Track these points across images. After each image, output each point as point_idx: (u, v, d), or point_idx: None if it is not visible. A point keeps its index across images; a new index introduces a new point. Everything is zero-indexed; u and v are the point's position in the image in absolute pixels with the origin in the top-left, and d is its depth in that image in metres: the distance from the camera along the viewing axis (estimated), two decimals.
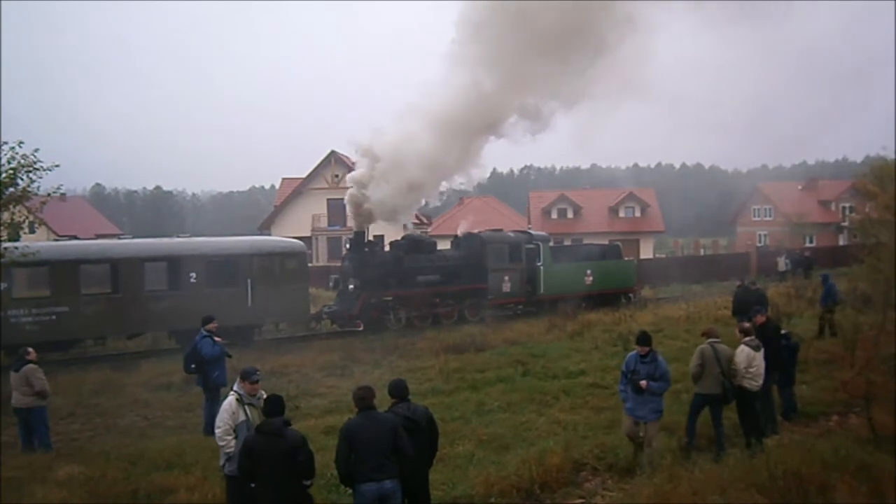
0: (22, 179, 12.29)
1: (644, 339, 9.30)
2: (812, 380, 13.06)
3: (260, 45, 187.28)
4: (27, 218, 13.90)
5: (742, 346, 9.86)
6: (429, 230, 50.33)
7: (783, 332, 11.39)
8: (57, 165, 12.70)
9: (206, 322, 12.01)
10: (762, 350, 9.89)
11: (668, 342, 17.66)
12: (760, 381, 9.81)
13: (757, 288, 18.38)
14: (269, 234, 45.21)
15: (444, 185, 27.68)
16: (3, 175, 12.11)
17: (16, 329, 17.45)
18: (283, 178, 58.82)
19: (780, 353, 10.73)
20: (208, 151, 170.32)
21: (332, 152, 50.96)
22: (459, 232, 26.77)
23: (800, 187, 67.21)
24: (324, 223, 50.94)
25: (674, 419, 10.61)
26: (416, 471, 6.61)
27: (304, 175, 53.29)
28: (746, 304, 16.54)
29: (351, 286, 22.61)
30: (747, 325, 10.30)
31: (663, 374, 9.06)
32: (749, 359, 9.72)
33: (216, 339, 11.82)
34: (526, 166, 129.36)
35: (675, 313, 22.35)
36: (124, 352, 20.13)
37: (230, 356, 12.07)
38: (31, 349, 11.02)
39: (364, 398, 6.47)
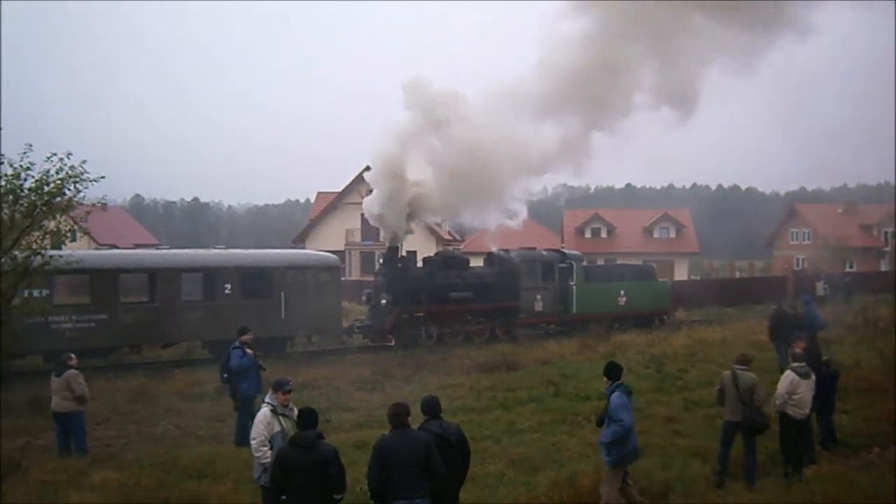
0: (69, 190, 12.66)
1: (606, 370, 8.34)
2: (852, 409, 12.72)
3: (296, 59, 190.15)
4: (72, 227, 14.26)
5: (788, 372, 9.68)
6: (461, 247, 50.37)
7: (824, 358, 11.15)
8: (102, 177, 13.08)
9: (241, 333, 12.14)
10: (812, 378, 9.65)
11: (701, 366, 17.40)
12: (806, 410, 9.56)
13: (795, 312, 17.96)
14: (304, 248, 45.64)
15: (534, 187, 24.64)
16: (52, 185, 12.48)
17: (56, 335, 17.80)
18: (319, 193, 59.31)
19: (823, 381, 10.48)
20: (245, 165, 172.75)
21: (368, 167, 51.32)
22: (493, 249, 26.74)
23: (840, 210, 65.92)
24: (358, 237, 51.26)
25: (706, 444, 10.46)
26: (448, 490, 6.58)
27: (339, 190, 53.77)
28: (783, 329, 16.24)
29: (383, 301, 22.69)
30: (798, 350, 10.12)
31: (612, 412, 7.99)
32: (793, 385, 9.48)
33: (248, 350, 11.92)
34: (560, 185, 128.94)
35: (710, 336, 22.00)
36: (159, 360, 20.41)
37: (264, 368, 12.15)
38: (73, 355, 11.23)
39: (399, 415, 6.45)
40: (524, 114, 21.44)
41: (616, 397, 8.01)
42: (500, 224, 26.15)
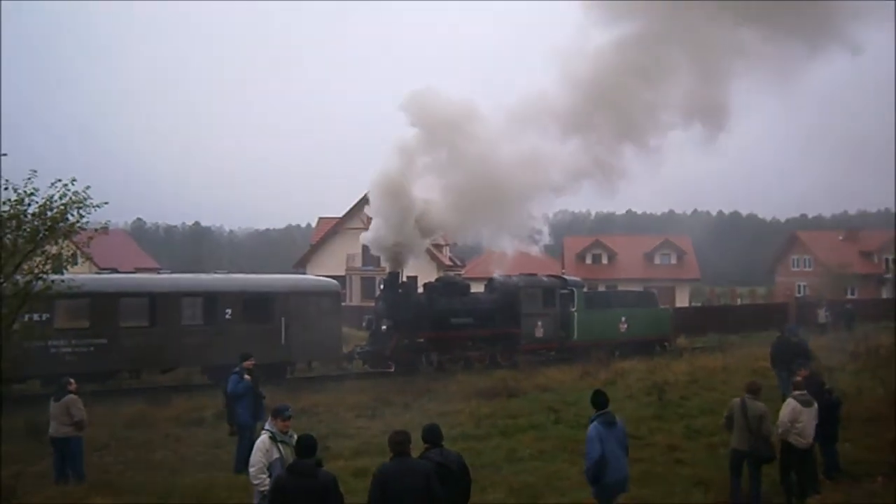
0: (72, 215, 12.72)
1: (591, 398, 8.24)
2: (855, 438, 12.64)
3: (298, 82, 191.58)
4: (74, 252, 14.29)
5: (789, 400, 9.62)
6: (462, 272, 50.36)
7: (826, 387, 11.09)
8: (105, 203, 13.14)
9: (243, 359, 12.13)
10: (813, 406, 9.59)
11: (703, 393, 17.34)
12: (809, 438, 9.48)
13: (798, 339, 17.87)
14: (305, 273, 45.63)
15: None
16: (55, 211, 12.55)
17: (55, 359, 17.75)
18: (320, 218, 59.46)
19: (826, 410, 10.38)
20: (247, 189, 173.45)
21: (367, 200, 51.36)
22: (494, 275, 26.71)
23: (840, 237, 66.00)
24: (358, 263, 51.28)
25: (708, 474, 10.38)
26: None
27: (340, 215, 53.92)
28: (786, 356, 16.16)
29: (384, 327, 22.63)
30: (799, 378, 10.07)
31: (586, 443, 7.92)
32: (795, 413, 9.42)
33: (245, 376, 11.89)
34: (560, 211, 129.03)
35: (712, 364, 21.93)
36: (158, 385, 20.31)
37: (263, 396, 12.07)
38: (72, 380, 11.18)
39: (400, 443, 6.41)
40: (547, 129, 20.77)
41: (591, 428, 7.91)
42: (519, 249, 25.43)
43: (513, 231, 23.82)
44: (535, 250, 25.87)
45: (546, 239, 25.83)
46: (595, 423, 7.93)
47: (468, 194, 21.39)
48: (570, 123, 20.40)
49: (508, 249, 26.13)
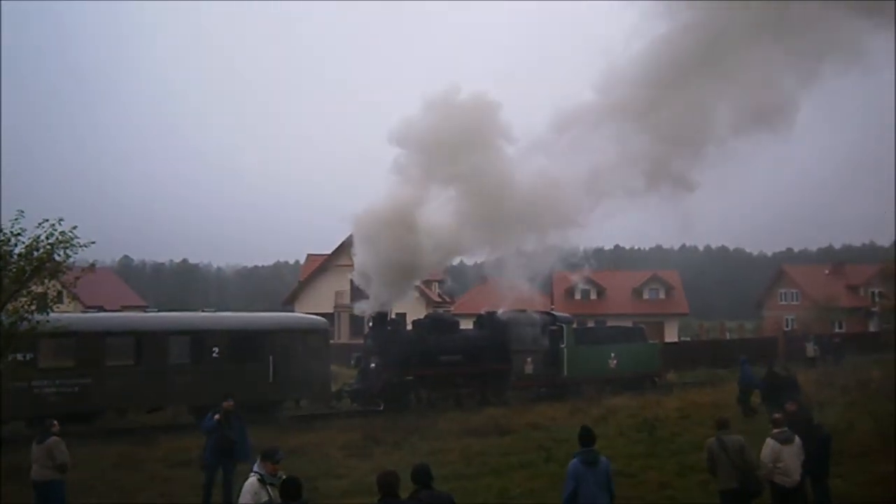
0: (59, 255, 12.68)
1: (578, 434, 8.10)
2: (847, 473, 12.59)
3: (289, 119, 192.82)
4: (60, 291, 14.20)
5: (768, 440, 9.40)
6: (451, 309, 50.24)
7: (815, 422, 11.04)
8: (93, 242, 13.14)
9: (223, 398, 12.20)
10: (795, 443, 9.49)
11: (694, 429, 17.25)
12: (795, 477, 9.33)
13: (788, 374, 18.01)
14: (293, 310, 45.39)
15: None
16: (41, 251, 12.49)
17: (39, 399, 17.50)
18: (309, 255, 59.38)
19: (821, 445, 10.23)
20: (235, 226, 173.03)
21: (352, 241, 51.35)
22: (482, 311, 26.67)
23: (827, 271, 66.55)
24: (347, 300, 51.11)
25: None
26: None
27: (329, 251, 53.86)
28: (775, 390, 16.20)
29: (372, 364, 22.49)
30: (777, 415, 9.96)
31: None
32: (775, 453, 9.24)
33: (216, 416, 11.88)
34: (550, 246, 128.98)
35: (702, 399, 21.90)
36: (144, 426, 20.02)
37: (232, 440, 11.85)
38: (55, 421, 11.01)
39: (390, 484, 6.32)
40: (601, 134, 19.17)
41: (570, 465, 7.84)
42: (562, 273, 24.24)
43: (551, 255, 23.20)
44: (575, 279, 25.16)
45: (594, 264, 24.97)
46: (575, 459, 7.85)
47: (490, 215, 20.78)
48: (630, 126, 18.68)
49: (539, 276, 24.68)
